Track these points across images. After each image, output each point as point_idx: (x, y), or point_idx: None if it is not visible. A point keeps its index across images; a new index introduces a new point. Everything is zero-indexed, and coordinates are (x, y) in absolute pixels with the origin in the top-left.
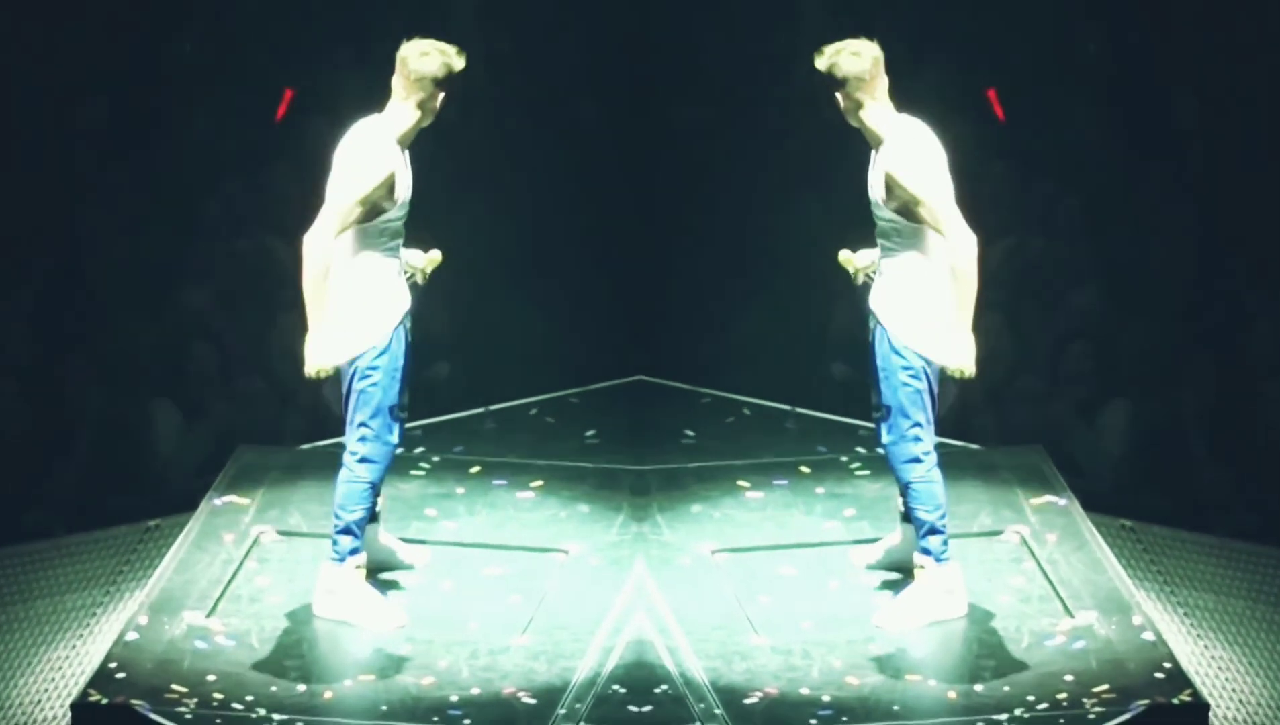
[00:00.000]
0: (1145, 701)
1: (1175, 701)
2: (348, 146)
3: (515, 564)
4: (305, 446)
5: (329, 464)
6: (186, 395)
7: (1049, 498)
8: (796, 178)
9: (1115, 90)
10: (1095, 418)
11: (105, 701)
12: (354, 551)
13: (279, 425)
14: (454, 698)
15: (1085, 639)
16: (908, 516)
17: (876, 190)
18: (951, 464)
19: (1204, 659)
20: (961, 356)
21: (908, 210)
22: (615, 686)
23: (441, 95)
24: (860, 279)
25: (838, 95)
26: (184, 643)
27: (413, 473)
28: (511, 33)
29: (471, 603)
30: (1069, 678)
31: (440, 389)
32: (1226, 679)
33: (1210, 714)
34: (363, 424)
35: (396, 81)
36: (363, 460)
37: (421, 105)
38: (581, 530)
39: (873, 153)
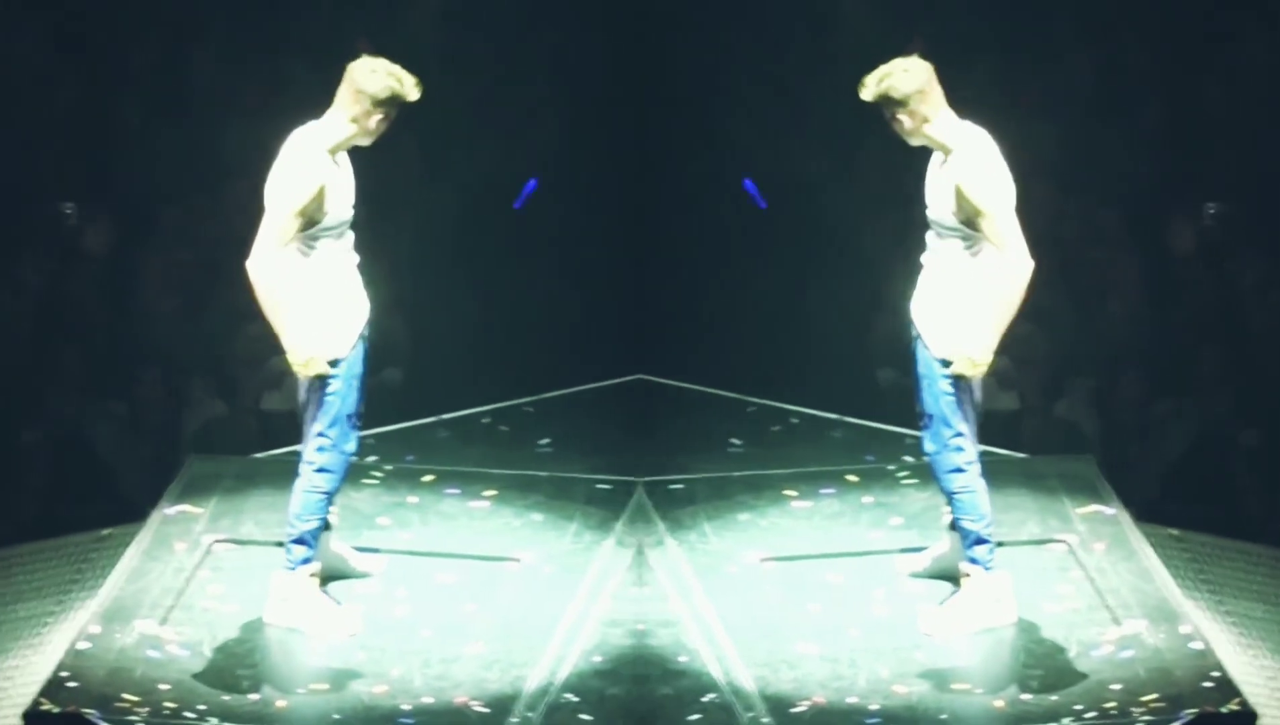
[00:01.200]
0: (1194, 710)
1: (1224, 710)
2: (282, 156)
3: (468, 572)
4: (258, 455)
5: (281, 473)
6: (139, 405)
7: (1097, 507)
8: (839, 181)
9: (1160, 96)
10: (1144, 426)
11: (57, 710)
12: (307, 560)
13: (231, 434)
14: (406, 706)
15: (1133, 648)
16: (955, 524)
17: (941, 198)
18: (999, 472)
19: (1252, 668)
20: (972, 355)
21: (970, 221)
22: (568, 695)
23: (380, 118)
24: None
25: (900, 117)
26: (136, 651)
27: (364, 482)
28: (509, 21)
29: (424, 611)
30: (1117, 687)
31: (393, 397)
32: (1275, 688)
33: (1258, 723)
34: (321, 433)
35: (341, 91)
36: (320, 469)
37: (357, 120)
38: (535, 539)
39: (934, 158)
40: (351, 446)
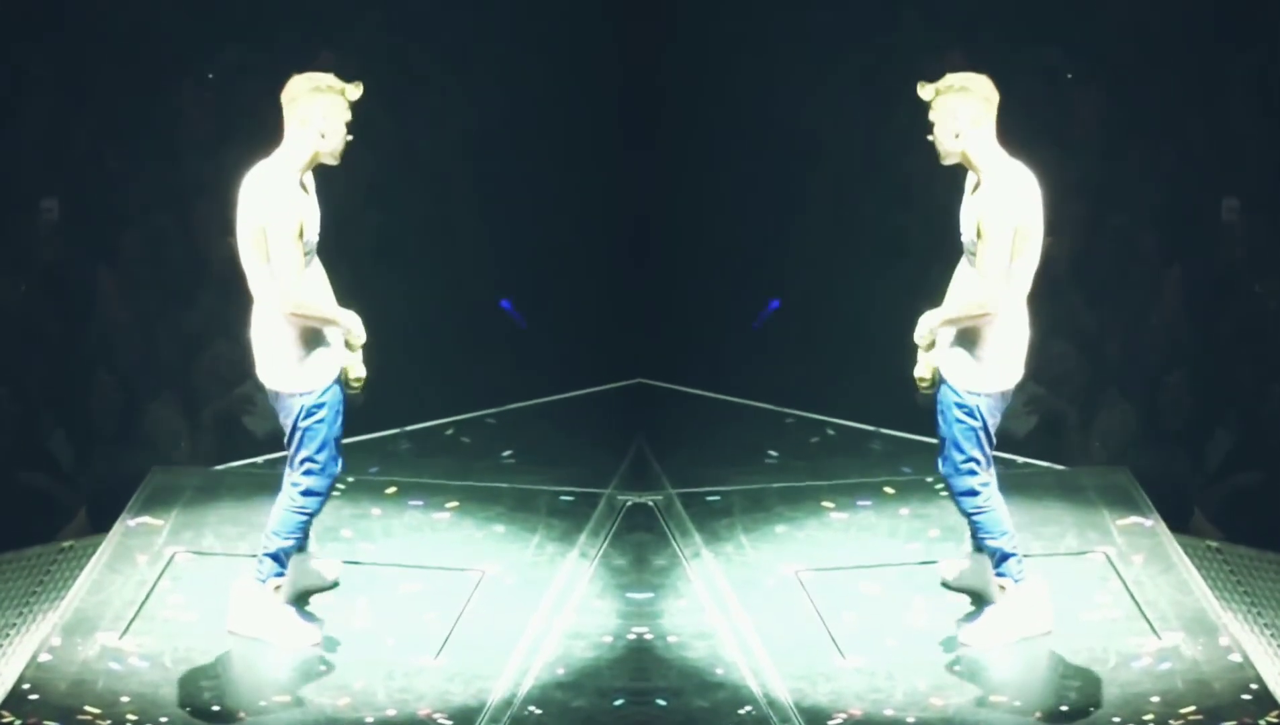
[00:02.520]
0: (1232, 723)
1: (1262, 723)
2: (257, 193)
3: (432, 584)
4: (219, 467)
5: (242, 484)
6: (100, 416)
7: (1135, 518)
8: (877, 190)
9: (1211, 108)
10: (1182, 438)
11: (19, 723)
12: (277, 575)
13: (192, 446)
14: (369, 719)
15: (1172, 660)
16: (979, 547)
17: (969, 225)
18: (1037, 484)
19: None
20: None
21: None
22: (531, 708)
23: (340, 127)
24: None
25: (947, 126)
26: (98, 664)
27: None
28: (508, 24)
29: (387, 623)
30: (1155, 699)
31: (355, 409)
32: None
33: None
34: (308, 459)
35: (289, 112)
36: (306, 493)
37: (314, 137)
38: (498, 550)
39: (969, 181)
40: (338, 468)
